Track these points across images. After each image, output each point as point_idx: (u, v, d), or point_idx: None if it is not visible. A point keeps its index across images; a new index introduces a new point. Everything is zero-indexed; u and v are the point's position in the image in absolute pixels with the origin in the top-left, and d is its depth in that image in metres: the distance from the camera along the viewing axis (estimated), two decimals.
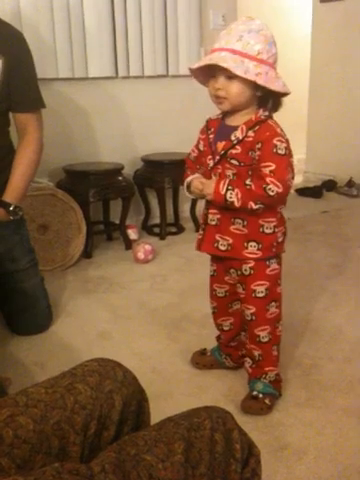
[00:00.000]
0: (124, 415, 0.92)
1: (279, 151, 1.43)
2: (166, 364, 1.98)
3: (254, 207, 1.46)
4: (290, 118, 5.51)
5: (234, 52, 1.38)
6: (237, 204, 1.47)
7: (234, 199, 1.46)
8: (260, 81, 1.39)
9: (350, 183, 4.46)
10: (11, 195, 2.11)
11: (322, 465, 1.46)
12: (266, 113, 1.47)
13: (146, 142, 3.58)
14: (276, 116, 1.53)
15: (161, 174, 3.36)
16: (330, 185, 4.58)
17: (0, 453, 0.78)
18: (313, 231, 3.55)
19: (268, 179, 1.42)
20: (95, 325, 2.29)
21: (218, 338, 1.90)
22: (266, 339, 1.65)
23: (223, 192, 1.47)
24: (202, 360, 1.94)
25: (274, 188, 1.42)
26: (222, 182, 1.49)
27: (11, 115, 2.17)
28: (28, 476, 0.68)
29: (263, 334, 1.64)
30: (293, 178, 1.47)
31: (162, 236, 3.45)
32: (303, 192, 4.48)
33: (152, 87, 3.56)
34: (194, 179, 1.58)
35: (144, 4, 3.35)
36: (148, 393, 1.03)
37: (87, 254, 3.11)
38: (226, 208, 1.52)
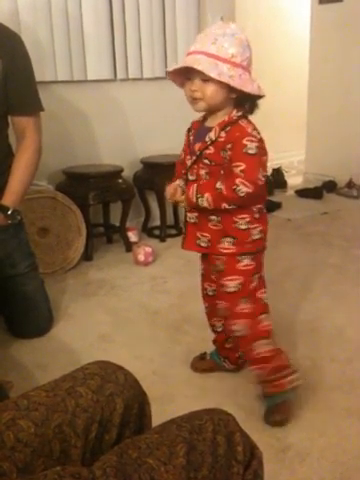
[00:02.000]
0: (126, 418, 0.92)
1: (249, 151, 1.45)
2: (167, 366, 1.98)
3: (227, 207, 1.51)
4: (289, 119, 5.53)
5: (209, 55, 1.41)
6: (210, 207, 1.52)
7: (205, 204, 1.52)
8: (233, 83, 1.42)
9: (350, 184, 4.46)
10: (9, 199, 2.11)
11: (324, 466, 1.46)
12: (239, 113, 1.50)
13: (145, 144, 3.58)
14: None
15: (161, 176, 3.34)
16: (330, 186, 4.57)
17: (1, 457, 0.77)
18: (313, 232, 3.55)
19: (238, 180, 1.46)
20: (96, 328, 2.29)
21: (214, 341, 1.90)
22: (241, 333, 1.63)
23: (194, 200, 1.53)
24: (202, 365, 1.94)
25: (244, 188, 1.45)
26: (191, 189, 1.54)
27: (9, 118, 2.17)
28: None
29: (237, 328, 1.63)
30: (264, 177, 1.49)
31: (162, 238, 3.45)
32: (303, 193, 4.48)
33: (151, 89, 3.56)
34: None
35: (142, 7, 3.35)
36: (149, 396, 1.03)
37: (87, 257, 3.11)
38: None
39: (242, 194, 1.46)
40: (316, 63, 4.75)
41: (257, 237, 1.58)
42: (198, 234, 1.62)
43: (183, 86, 1.54)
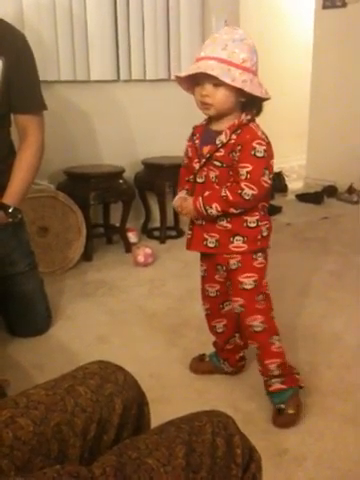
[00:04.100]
0: (124, 419, 0.92)
1: (257, 153, 1.49)
2: (165, 369, 1.97)
3: (235, 212, 1.54)
4: (291, 124, 5.54)
5: (221, 61, 1.43)
6: (219, 214, 1.55)
7: (215, 213, 1.55)
8: (246, 88, 1.44)
9: (350, 189, 4.47)
10: (10, 197, 2.10)
11: (321, 471, 1.45)
12: (248, 117, 1.53)
13: (147, 145, 3.59)
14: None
15: (161, 178, 3.36)
16: (330, 191, 4.58)
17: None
18: (313, 237, 3.55)
19: (243, 184, 1.49)
20: (94, 329, 2.29)
21: (215, 344, 1.90)
22: (260, 328, 1.65)
23: (203, 211, 1.56)
24: (200, 367, 1.94)
25: (249, 191, 1.49)
26: (197, 203, 1.57)
27: (12, 116, 2.17)
28: (29, 478, 0.67)
29: (255, 323, 1.65)
30: (270, 179, 1.52)
31: (162, 240, 3.45)
32: (303, 198, 4.49)
33: (153, 91, 3.57)
34: (175, 200, 1.67)
35: (147, 8, 3.36)
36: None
37: (87, 257, 3.10)
38: None
39: (248, 197, 1.49)
40: (318, 68, 4.76)
41: (265, 234, 1.61)
42: (205, 235, 1.63)
43: (189, 90, 1.56)
